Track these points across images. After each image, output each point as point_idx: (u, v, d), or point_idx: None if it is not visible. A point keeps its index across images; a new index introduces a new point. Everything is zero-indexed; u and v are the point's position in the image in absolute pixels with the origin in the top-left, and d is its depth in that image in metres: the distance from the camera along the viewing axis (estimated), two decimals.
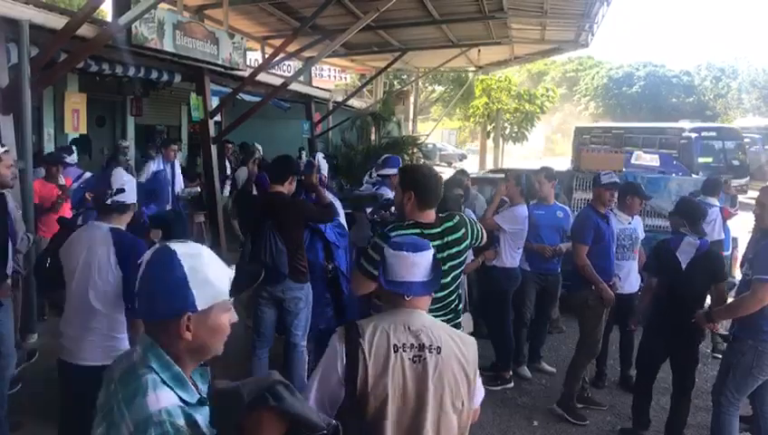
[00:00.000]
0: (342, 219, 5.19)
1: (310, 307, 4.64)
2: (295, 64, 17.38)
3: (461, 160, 35.61)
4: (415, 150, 14.95)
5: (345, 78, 25.61)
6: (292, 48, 12.69)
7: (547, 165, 6.37)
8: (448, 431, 2.08)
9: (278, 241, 4.28)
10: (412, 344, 2.06)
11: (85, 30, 6.30)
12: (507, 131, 30.18)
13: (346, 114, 15.93)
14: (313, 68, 17.26)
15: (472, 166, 28.23)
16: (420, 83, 26.10)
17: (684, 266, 4.24)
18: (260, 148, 10.51)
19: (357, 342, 2.05)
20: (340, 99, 15.97)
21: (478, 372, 2.18)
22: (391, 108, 17.21)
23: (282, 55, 12.33)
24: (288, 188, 4.57)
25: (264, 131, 14.12)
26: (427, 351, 2.06)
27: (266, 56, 12.20)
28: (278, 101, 13.32)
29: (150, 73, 8.64)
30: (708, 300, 4.51)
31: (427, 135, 21.20)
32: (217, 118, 10.85)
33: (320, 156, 5.42)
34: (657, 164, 19.95)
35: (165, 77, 9.01)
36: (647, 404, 4.71)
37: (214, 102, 9.94)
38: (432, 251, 2.24)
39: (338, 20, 11.33)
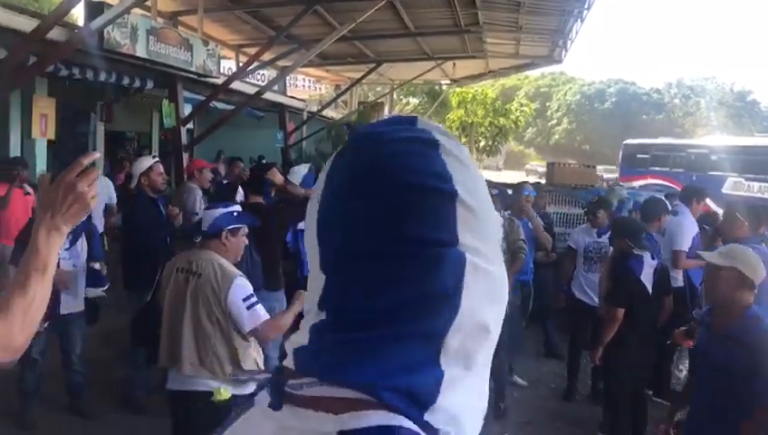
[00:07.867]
0: None
1: None
2: (269, 73, 17.30)
3: None
4: None
5: (320, 88, 25.58)
6: (266, 57, 12.64)
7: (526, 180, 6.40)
8: (205, 334, 3.02)
9: (253, 253, 4.18)
10: (187, 269, 3.10)
11: (56, 33, 6.21)
12: (482, 145, 30.45)
13: (320, 124, 15.87)
14: (288, 78, 17.18)
15: None
16: (395, 95, 26.19)
17: (651, 291, 4.19)
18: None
19: (165, 265, 3.27)
20: (314, 109, 15.92)
21: (240, 302, 3.00)
22: (367, 119, 17.22)
23: (256, 64, 12.26)
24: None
25: (237, 140, 14.00)
26: (191, 275, 3.07)
27: (241, 64, 12.13)
28: (252, 109, 13.24)
29: (122, 79, 8.50)
30: None
31: None
32: (190, 125, 10.74)
33: (302, 168, 5.20)
34: None
35: (137, 83, 8.87)
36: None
37: (186, 110, 9.82)
38: (218, 211, 3.20)
39: (314, 30, 11.31)
